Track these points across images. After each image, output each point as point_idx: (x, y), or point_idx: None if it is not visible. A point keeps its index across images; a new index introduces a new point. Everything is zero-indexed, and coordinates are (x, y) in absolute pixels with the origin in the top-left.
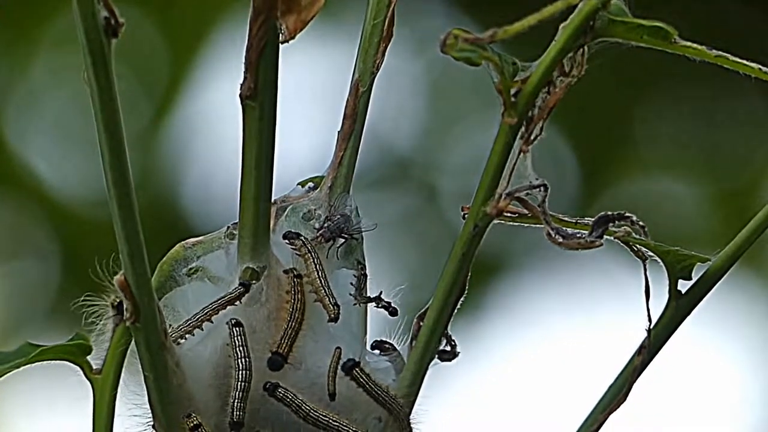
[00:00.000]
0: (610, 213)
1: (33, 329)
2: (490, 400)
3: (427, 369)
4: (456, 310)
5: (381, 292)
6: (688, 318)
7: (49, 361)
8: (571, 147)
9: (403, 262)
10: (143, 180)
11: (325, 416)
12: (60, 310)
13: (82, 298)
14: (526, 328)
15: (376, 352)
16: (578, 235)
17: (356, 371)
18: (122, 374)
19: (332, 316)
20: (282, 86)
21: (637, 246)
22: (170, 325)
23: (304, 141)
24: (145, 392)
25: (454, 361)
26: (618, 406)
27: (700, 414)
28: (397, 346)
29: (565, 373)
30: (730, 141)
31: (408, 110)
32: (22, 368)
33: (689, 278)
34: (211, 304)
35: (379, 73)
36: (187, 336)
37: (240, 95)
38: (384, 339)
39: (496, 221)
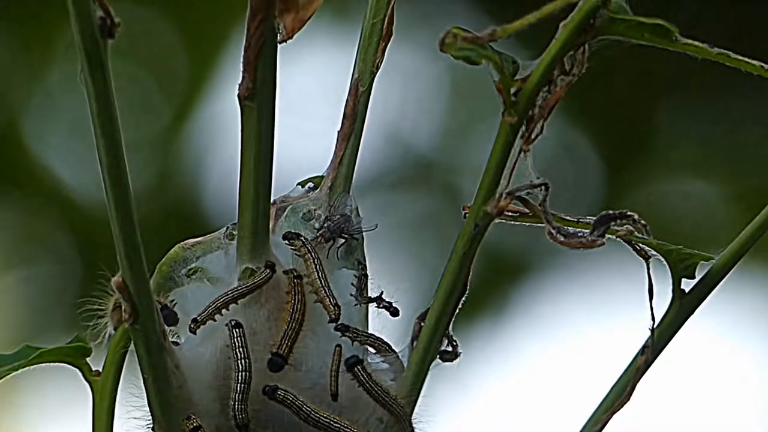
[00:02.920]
0: (611, 212)
1: (54, 333)
2: (493, 399)
3: (428, 370)
4: (480, 313)
5: (382, 292)
6: (694, 315)
7: (48, 364)
8: (594, 148)
9: (424, 262)
10: (164, 181)
11: (326, 417)
12: (81, 313)
13: (86, 300)
14: (546, 329)
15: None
16: (579, 234)
17: (358, 368)
18: (122, 376)
19: (333, 316)
20: (281, 86)
21: (640, 245)
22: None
23: (303, 141)
24: (145, 394)
25: (456, 361)
26: (621, 406)
27: (705, 413)
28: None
29: (569, 371)
30: (754, 141)
31: (429, 111)
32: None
33: (693, 277)
34: (238, 287)
35: (400, 73)
36: (216, 317)
37: (238, 95)
38: (347, 324)
39: (497, 220)
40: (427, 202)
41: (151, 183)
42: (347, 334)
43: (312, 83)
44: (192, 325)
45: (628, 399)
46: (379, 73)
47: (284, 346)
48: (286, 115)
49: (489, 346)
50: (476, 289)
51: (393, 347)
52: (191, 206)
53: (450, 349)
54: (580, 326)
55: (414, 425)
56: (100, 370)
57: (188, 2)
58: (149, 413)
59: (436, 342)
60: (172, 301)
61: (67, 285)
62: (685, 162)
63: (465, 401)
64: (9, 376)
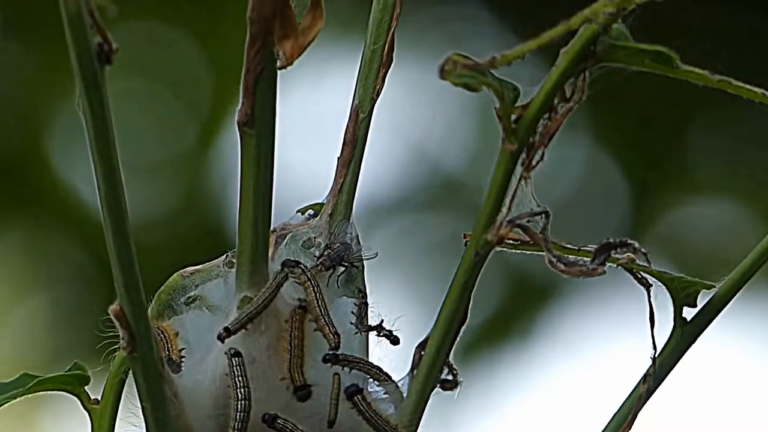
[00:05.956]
0: (612, 240)
1: (79, 355)
2: (516, 423)
3: (428, 399)
4: (506, 336)
5: (382, 321)
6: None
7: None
8: (620, 170)
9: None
10: (190, 201)
11: None
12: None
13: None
14: (571, 353)
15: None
16: (580, 263)
17: (358, 398)
18: (120, 404)
19: (333, 345)
20: (281, 111)
21: (641, 273)
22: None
23: (303, 167)
24: (143, 423)
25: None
26: None
27: None
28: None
29: (594, 395)
30: None
31: (456, 131)
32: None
33: (694, 305)
34: (262, 294)
35: (428, 93)
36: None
37: (237, 122)
38: (336, 353)
39: (498, 248)
40: (454, 223)
41: (178, 203)
42: (338, 364)
43: (312, 108)
44: (223, 334)
45: (630, 428)
46: (406, 92)
47: (297, 375)
48: (286, 140)
49: (515, 370)
50: (502, 312)
51: (390, 375)
52: (218, 225)
53: (450, 377)
54: (605, 350)
55: None
56: (99, 398)
57: (213, 23)
58: None
59: (437, 371)
60: (182, 350)
61: (91, 303)
62: (714, 183)
63: (486, 426)
64: (7, 404)
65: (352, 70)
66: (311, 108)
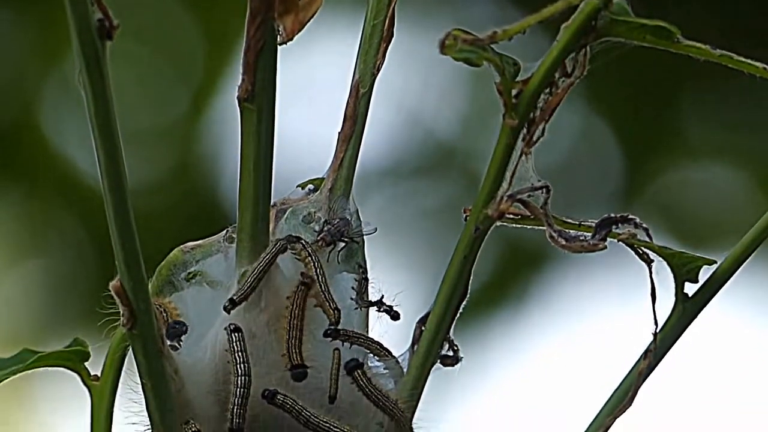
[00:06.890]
0: (612, 215)
1: (70, 325)
2: (492, 401)
3: (428, 374)
4: (500, 300)
5: (383, 296)
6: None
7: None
8: (616, 135)
9: (445, 250)
10: (181, 170)
11: (325, 422)
12: (98, 304)
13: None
14: (566, 319)
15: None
16: (581, 238)
17: (358, 372)
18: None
19: (333, 320)
20: (281, 86)
21: (642, 249)
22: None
23: (304, 142)
24: (143, 399)
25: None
26: (623, 411)
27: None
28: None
29: (588, 363)
30: None
31: (450, 97)
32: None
33: (696, 281)
34: (259, 263)
35: (420, 59)
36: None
37: (238, 98)
38: (337, 328)
39: (498, 223)
40: (448, 189)
41: (170, 170)
42: (338, 338)
43: (312, 83)
44: (228, 305)
45: (631, 404)
46: (398, 58)
47: (294, 354)
48: (286, 115)
49: (508, 336)
50: (496, 278)
51: (390, 351)
52: (210, 192)
53: (451, 353)
54: (600, 315)
55: (414, 429)
56: (99, 374)
57: None
58: (148, 418)
59: (437, 346)
60: (180, 318)
61: (84, 272)
62: (710, 147)
63: (478, 393)
64: (8, 379)
65: (344, 38)
66: (300, 77)
